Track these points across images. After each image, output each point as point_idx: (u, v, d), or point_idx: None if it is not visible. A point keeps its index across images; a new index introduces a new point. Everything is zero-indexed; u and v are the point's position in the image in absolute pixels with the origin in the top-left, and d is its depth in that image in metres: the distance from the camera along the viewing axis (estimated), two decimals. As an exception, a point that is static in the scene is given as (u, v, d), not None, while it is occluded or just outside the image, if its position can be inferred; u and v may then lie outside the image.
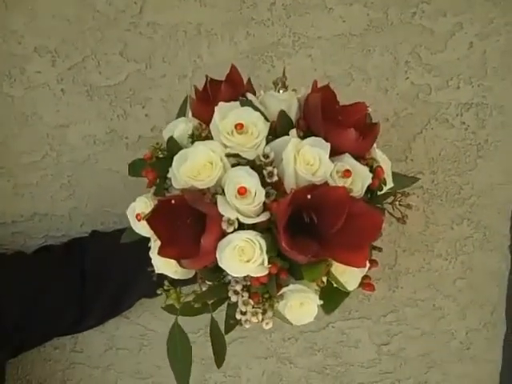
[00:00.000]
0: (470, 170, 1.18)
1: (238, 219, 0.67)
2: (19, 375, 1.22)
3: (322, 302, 0.73)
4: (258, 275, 0.69)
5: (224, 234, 0.68)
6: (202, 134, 0.75)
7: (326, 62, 1.13)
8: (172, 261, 0.72)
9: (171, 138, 0.79)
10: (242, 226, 0.68)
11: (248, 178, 0.67)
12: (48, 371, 1.23)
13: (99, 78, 1.12)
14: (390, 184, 0.79)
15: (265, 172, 0.69)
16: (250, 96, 0.78)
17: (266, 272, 0.69)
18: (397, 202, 0.79)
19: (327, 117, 0.72)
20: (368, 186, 0.73)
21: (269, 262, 0.68)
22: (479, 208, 1.19)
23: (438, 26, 1.11)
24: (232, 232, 0.68)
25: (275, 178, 0.68)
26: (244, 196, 0.66)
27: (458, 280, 1.22)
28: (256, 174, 0.68)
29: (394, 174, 0.81)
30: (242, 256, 0.67)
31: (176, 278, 0.77)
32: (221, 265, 0.68)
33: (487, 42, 1.11)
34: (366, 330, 1.24)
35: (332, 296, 0.74)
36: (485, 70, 1.12)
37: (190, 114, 0.82)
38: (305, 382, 1.26)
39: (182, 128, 0.79)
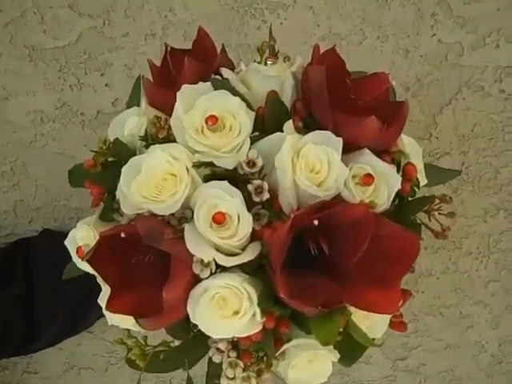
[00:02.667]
0: (509, 150, 1.09)
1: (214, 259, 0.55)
2: (-38, 400, 1.18)
3: (338, 357, 0.62)
4: (249, 333, 0.57)
5: (197, 279, 0.55)
6: (159, 135, 0.60)
7: (332, 16, 1.05)
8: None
9: (117, 141, 0.65)
10: (221, 266, 0.56)
11: (227, 199, 0.54)
12: None
13: (44, 38, 1.05)
14: (422, 181, 0.68)
15: (251, 187, 0.55)
16: (225, 73, 0.65)
17: (259, 328, 0.56)
18: (435, 212, 0.66)
19: (335, 97, 0.58)
20: (399, 193, 0.61)
21: (263, 313, 0.55)
22: None
23: (473, -31, 1.05)
24: (208, 277, 0.55)
25: (266, 196, 0.55)
26: (222, 225, 0.53)
27: (490, 283, 1.15)
28: (238, 192, 0.55)
29: (426, 167, 0.70)
30: (225, 309, 0.54)
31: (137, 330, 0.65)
32: (194, 321, 0.56)
33: None
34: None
35: (351, 346, 0.61)
36: None
37: (143, 101, 0.69)
38: (306, 404, 1.18)
39: (133, 124, 0.65)
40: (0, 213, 1.11)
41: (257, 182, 0.56)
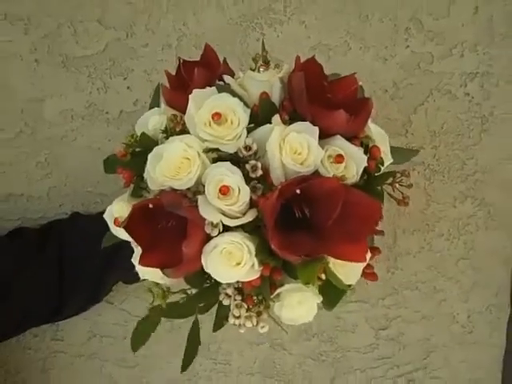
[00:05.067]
0: (474, 145, 1.17)
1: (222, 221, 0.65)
2: (-3, 364, 1.22)
3: (321, 299, 0.72)
4: (250, 279, 0.68)
5: (208, 238, 0.66)
6: (176, 128, 0.71)
7: (321, 30, 1.13)
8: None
9: (144, 134, 0.76)
10: (227, 227, 0.66)
11: (230, 175, 0.64)
12: (27, 360, 1.22)
13: (76, 48, 1.12)
14: (388, 160, 0.77)
15: (248, 166, 0.66)
16: (227, 79, 0.75)
17: (258, 275, 0.68)
18: (396, 184, 0.76)
19: (314, 96, 0.68)
20: (364, 168, 0.70)
21: (260, 263, 0.66)
22: (483, 185, 1.19)
23: (441, -10, 1.09)
24: (217, 235, 0.65)
25: (259, 172, 0.66)
26: (227, 195, 0.63)
27: (460, 261, 1.22)
28: (238, 170, 0.65)
29: (393, 148, 0.79)
30: (231, 260, 0.65)
31: (164, 283, 0.75)
32: (207, 270, 0.66)
33: (494, 6, 1.11)
34: (363, 313, 1.24)
35: (332, 291, 0.71)
36: (491, 36, 1.13)
37: (163, 103, 0.79)
38: (299, 368, 1.26)
39: (155, 121, 0.76)
40: (35, 198, 1.15)
41: (252, 162, 0.66)
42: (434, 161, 1.18)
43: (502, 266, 1.22)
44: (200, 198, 0.65)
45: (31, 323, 1.05)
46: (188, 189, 0.67)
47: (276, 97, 0.73)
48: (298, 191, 0.63)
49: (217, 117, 0.66)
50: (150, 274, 0.73)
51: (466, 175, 1.19)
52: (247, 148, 0.66)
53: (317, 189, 0.64)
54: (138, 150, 0.76)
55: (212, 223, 0.65)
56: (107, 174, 0.83)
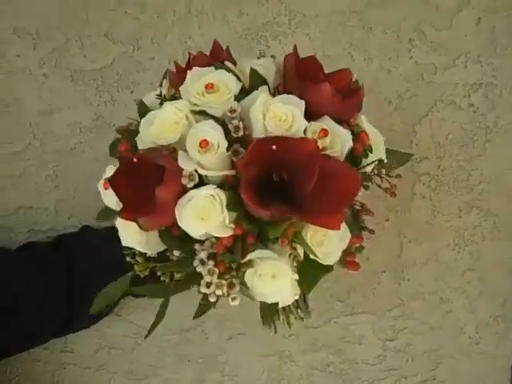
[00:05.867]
0: (479, 155, 1.17)
1: (199, 174, 0.67)
2: (8, 377, 1.22)
3: (297, 277, 0.71)
4: (222, 235, 0.68)
5: (184, 191, 0.68)
6: (170, 93, 0.75)
7: (325, 42, 1.14)
8: (135, 227, 0.70)
9: (141, 102, 0.79)
10: (203, 184, 0.68)
11: (211, 132, 0.67)
12: (38, 372, 1.22)
13: (84, 62, 1.14)
14: (381, 155, 0.78)
15: (230, 126, 0.67)
16: (227, 63, 0.78)
17: (230, 233, 0.68)
18: (383, 171, 0.77)
19: (305, 75, 0.71)
20: (353, 153, 0.72)
21: (234, 223, 0.67)
22: (489, 195, 1.18)
23: (444, 1, 1.12)
24: (192, 188, 0.67)
25: (241, 133, 0.67)
26: (206, 149, 0.66)
27: (466, 271, 1.21)
28: (220, 128, 0.67)
29: (388, 151, 0.80)
30: (202, 213, 0.66)
31: (144, 251, 0.76)
32: (180, 224, 0.67)
33: (496, 17, 1.12)
34: (370, 325, 1.22)
35: (309, 271, 0.71)
36: (494, 47, 1.13)
37: (165, 83, 0.82)
38: (307, 380, 1.25)
39: (153, 94, 0.80)
40: (43, 210, 1.16)
41: (235, 122, 0.67)
42: (438, 171, 1.18)
43: (508, 276, 1.21)
44: (180, 152, 0.67)
45: (42, 335, 1.05)
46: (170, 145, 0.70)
47: (270, 79, 0.76)
48: (274, 147, 0.64)
49: (210, 86, 0.69)
50: (129, 236, 0.74)
51: (472, 185, 1.19)
52: (231, 110, 0.68)
53: (294, 151, 0.65)
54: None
55: (189, 176, 0.67)
56: (111, 157, 0.84)
